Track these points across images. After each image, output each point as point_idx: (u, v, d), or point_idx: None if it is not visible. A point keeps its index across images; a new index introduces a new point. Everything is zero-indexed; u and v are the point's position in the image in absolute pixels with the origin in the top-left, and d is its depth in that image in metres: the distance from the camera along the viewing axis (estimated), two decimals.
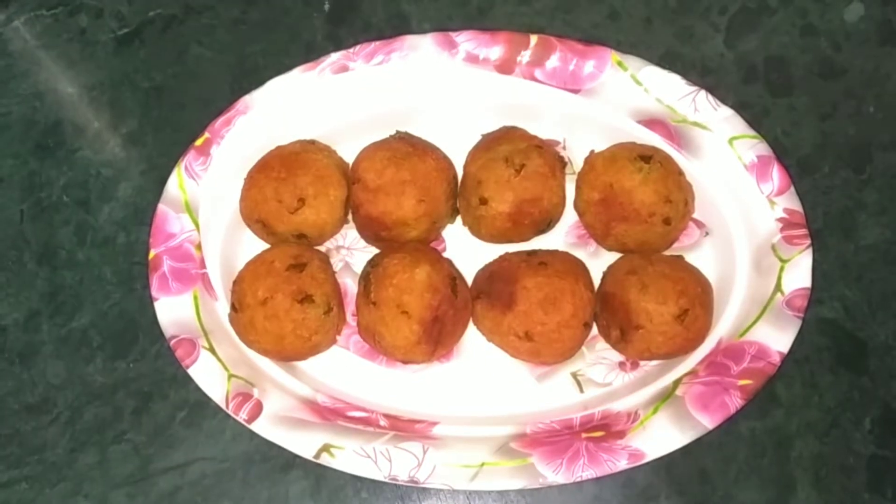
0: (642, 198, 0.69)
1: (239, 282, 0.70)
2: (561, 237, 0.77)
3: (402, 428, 0.70)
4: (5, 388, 0.76)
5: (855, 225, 0.79)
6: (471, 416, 0.72)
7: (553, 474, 0.66)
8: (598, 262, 0.74)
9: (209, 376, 0.70)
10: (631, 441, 0.67)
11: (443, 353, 0.72)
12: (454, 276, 0.70)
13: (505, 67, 0.77)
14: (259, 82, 0.77)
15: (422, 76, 0.78)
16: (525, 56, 0.77)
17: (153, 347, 0.76)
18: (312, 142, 0.76)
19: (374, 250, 0.75)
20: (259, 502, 0.72)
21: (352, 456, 0.67)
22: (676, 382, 0.70)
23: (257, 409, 0.69)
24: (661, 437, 0.67)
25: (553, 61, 0.77)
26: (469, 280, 0.73)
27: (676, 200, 0.70)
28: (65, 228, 0.81)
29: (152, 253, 0.74)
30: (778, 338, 0.69)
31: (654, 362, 0.73)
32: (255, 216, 0.73)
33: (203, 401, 0.71)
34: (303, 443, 0.68)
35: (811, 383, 0.74)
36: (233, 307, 0.70)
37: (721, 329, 0.72)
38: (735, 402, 0.67)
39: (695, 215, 0.75)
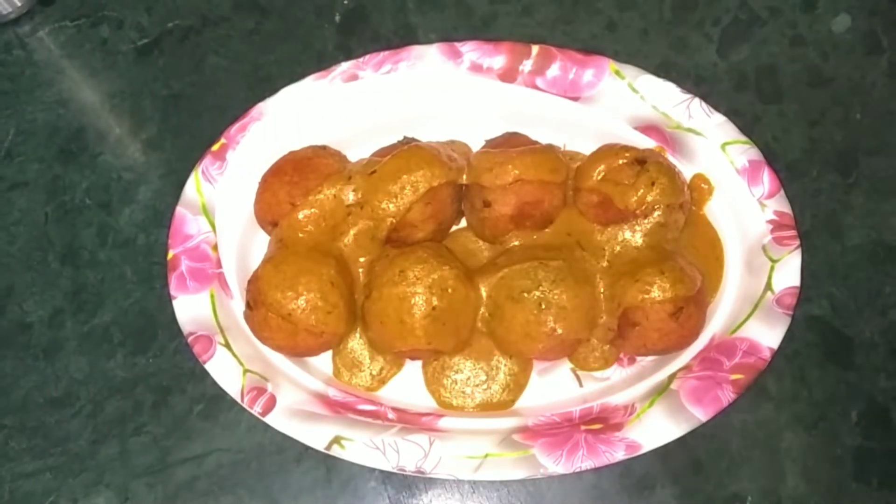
0: (639, 199, 0.69)
1: (254, 281, 0.70)
2: None
3: (410, 421, 0.70)
4: (31, 383, 0.76)
5: (842, 226, 0.78)
6: None
7: (554, 465, 0.66)
8: None
9: (225, 371, 0.70)
10: (628, 433, 0.67)
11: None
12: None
13: (508, 76, 0.77)
14: (273, 90, 0.77)
15: (428, 84, 0.78)
16: (527, 65, 0.77)
17: (172, 344, 0.76)
18: (324, 147, 0.76)
19: None
20: (273, 492, 0.72)
21: (361, 448, 0.67)
22: (671, 377, 0.70)
23: (271, 403, 0.69)
24: (657, 430, 0.67)
25: (554, 70, 0.77)
26: None
27: (671, 202, 0.70)
28: (87, 230, 0.81)
29: (171, 253, 0.74)
30: (768, 334, 0.69)
31: (650, 358, 0.73)
32: (268, 218, 0.73)
33: (219, 395, 0.71)
34: (315, 435, 0.67)
35: (800, 378, 0.74)
36: (248, 305, 0.70)
37: (714, 326, 0.72)
38: (727, 395, 0.67)
39: None
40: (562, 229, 0.73)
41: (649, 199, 0.69)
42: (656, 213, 0.70)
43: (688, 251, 0.74)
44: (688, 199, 0.73)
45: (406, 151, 0.71)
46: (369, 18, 0.88)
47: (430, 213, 0.71)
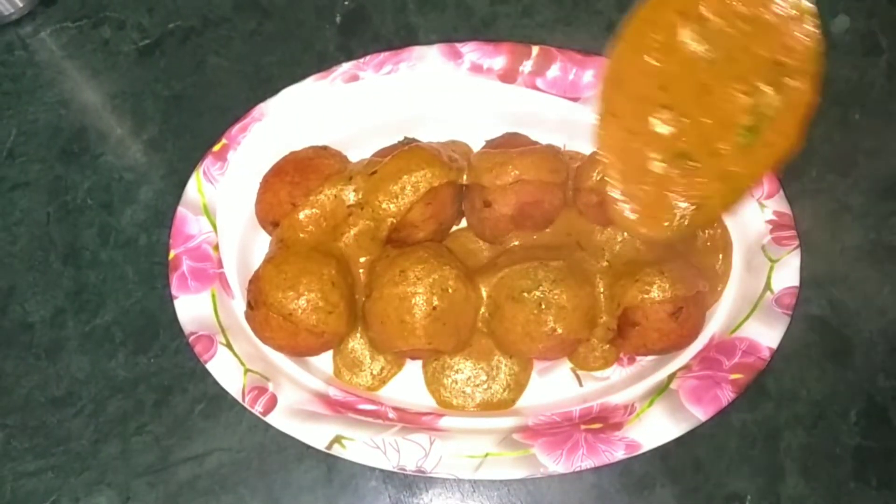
0: None
1: (255, 281, 0.70)
2: None
3: (410, 420, 0.70)
4: (32, 382, 0.76)
5: (841, 227, 0.78)
6: None
7: (554, 464, 0.66)
8: None
9: (226, 371, 0.70)
10: (628, 432, 0.67)
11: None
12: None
13: (508, 77, 0.77)
14: (274, 91, 0.77)
15: (428, 85, 0.77)
16: (527, 66, 0.77)
17: (173, 343, 0.76)
18: (325, 147, 0.76)
19: None
20: (274, 491, 0.72)
21: (362, 447, 0.67)
22: (671, 377, 0.70)
23: (272, 403, 0.69)
24: (657, 429, 0.67)
25: (554, 71, 0.77)
26: None
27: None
28: (89, 230, 0.81)
29: (172, 253, 0.74)
30: (768, 334, 0.69)
31: (650, 358, 0.73)
32: (269, 218, 0.73)
33: (220, 394, 0.71)
34: (315, 434, 0.67)
35: (799, 377, 0.74)
36: (249, 305, 0.70)
37: (714, 326, 0.72)
38: (727, 395, 0.67)
39: None
40: (562, 229, 0.73)
41: None
42: None
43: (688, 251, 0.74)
44: None
45: (407, 152, 0.71)
46: (370, 19, 0.88)
47: (431, 214, 0.71)
